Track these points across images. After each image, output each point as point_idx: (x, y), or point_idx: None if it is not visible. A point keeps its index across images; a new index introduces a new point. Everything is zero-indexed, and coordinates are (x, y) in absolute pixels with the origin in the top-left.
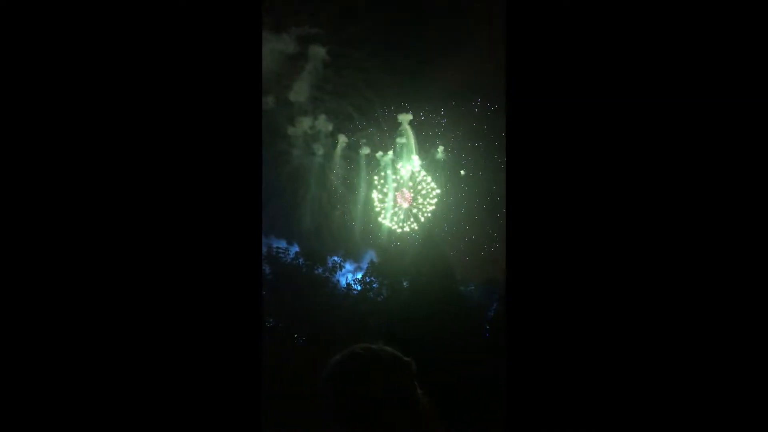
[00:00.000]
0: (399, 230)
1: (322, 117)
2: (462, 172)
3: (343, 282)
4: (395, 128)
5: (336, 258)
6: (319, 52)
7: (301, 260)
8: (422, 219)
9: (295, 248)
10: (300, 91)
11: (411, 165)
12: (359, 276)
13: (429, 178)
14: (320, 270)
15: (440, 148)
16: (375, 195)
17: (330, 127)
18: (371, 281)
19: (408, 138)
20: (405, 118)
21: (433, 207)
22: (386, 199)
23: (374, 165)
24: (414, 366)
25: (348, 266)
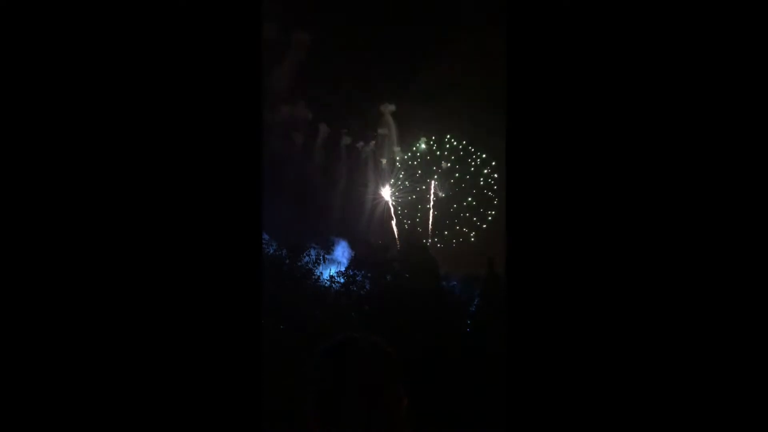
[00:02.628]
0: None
1: (302, 105)
2: (444, 163)
3: (326, 274)
4: (377, 119)
5: (321, 250)
6: (301, 38)
7: (284, 252)
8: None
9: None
10: (280, 78)
11: None
12: (342, 269)
13: None
14: (304, 261)
15: (422, 140)
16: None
17: (310, 116)
18: (354, 274)
19: (390, 129)
20: (387, 108)
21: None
22: None
23: (355, 155)
24: (396, 357)
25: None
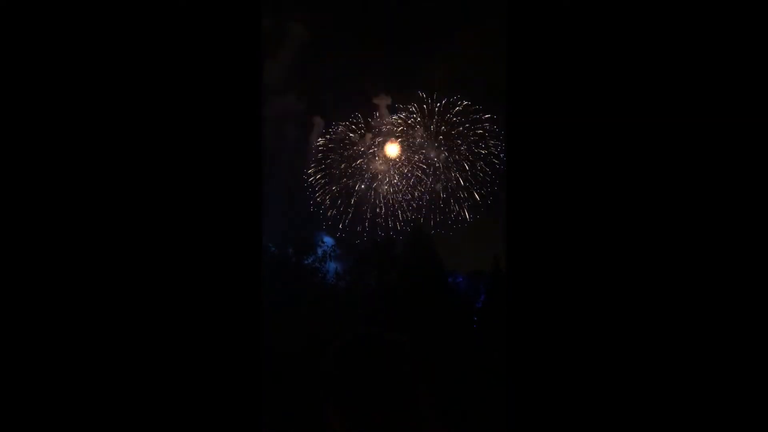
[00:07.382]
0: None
1: (294, 98)
2: (442, 157)
3: (332, 272)
4: (372, 112)
5: (326, 248)
6: (295, 31)
7: (290, 250)
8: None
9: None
10: (273, 71)
11: None
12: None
13: None
14: (311, 260)
15: (418, 133)
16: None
17: (302, 108)
18: (360, 271)
19: (386, 122)
20: (383, 101)
21: None
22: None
23: (349, 149)
24: (414, 352)
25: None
